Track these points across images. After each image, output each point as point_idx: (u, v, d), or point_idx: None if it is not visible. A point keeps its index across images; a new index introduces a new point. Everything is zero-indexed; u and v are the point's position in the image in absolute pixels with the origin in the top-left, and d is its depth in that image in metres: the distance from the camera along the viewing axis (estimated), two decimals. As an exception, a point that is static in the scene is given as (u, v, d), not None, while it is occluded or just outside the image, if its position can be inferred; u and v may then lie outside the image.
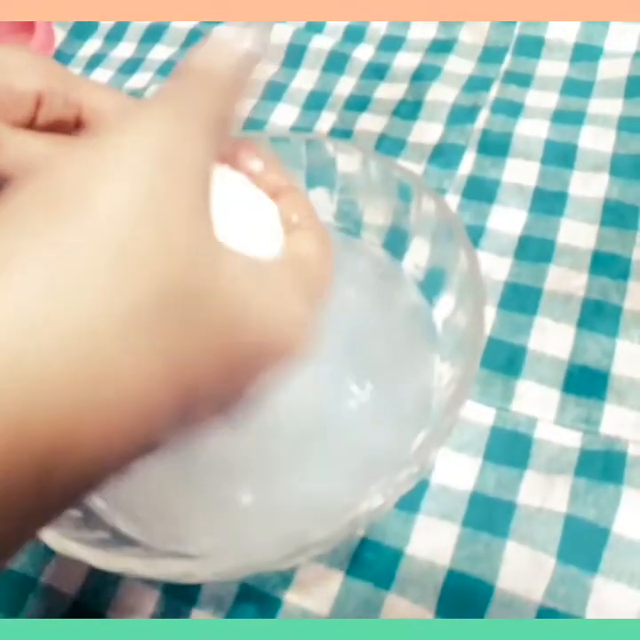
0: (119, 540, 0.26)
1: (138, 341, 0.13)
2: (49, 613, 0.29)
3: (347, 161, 0.32)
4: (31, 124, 0.28)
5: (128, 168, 0.15)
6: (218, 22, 0.50)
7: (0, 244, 0.13)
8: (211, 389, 0.15)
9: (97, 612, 0.29)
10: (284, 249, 0.19)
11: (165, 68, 0.50)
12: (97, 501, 0.27)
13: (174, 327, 0.14)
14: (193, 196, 0.15)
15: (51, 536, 0.23)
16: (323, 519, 0.24)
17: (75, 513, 0.26)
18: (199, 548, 0.26)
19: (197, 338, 0.14)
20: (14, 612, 0.30)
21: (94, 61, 0.52)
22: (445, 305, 0.30)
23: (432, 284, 0.31)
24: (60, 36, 0.54)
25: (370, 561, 0.28)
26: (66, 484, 0.13)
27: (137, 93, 0.49)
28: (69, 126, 0.29)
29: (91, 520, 0.27)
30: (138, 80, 0.50)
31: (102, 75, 0.51)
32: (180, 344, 0.14)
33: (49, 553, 0.30)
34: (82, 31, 0.54)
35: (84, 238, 0.13)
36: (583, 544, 0.27)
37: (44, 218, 0.14)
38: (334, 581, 0.28)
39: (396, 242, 0.33)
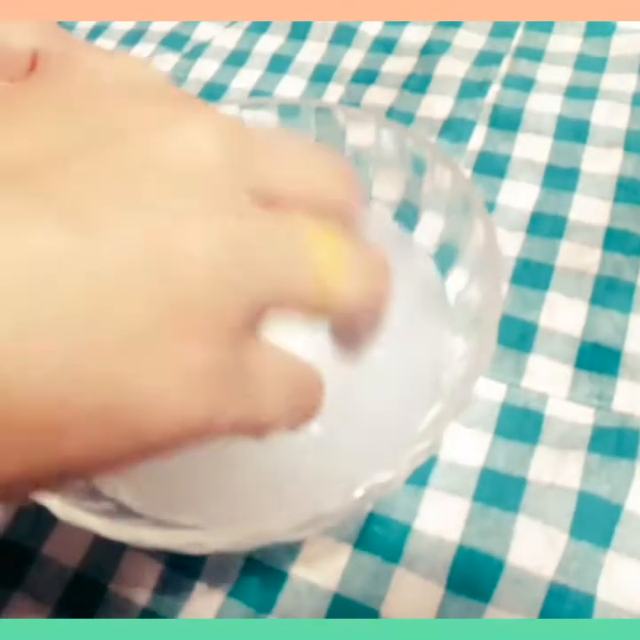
0: (125, 512, 0.25)
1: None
2: (50, 585, 0.29)
3: (358, 130, 0.32)
4: None
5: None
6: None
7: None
8: None
9: (99, 585, 0.29)
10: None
11: (168, 40, 0.49)
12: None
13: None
14: None
15: (56, 505, 0.22)
16: (333, 492, 0.23)
17: (79, 484, 0.26)
18: (207, 521, 0.25)
19: None
20: (14, 584, 0.29)
21: (96, 31, 0.51)
22: (459, 278, 0.29)
23: (445, 257, 0.30)
24: (60, 4, 0.52)
25: (378, 535, 0.28)
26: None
27: (140, 64, 0.48)
28: None
29: (94, 493, 0.26)
30: (140, 51, 0.49)
31: (104, 45, 0.50)
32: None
33: (50, 524, 0.30)
34: (83, 0, 0.52)
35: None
36: (596, 520, 0.27)
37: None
38: (342, 555, 0.28)
39: (408, 214, 0.32)
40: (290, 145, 0.15)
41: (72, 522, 0.22)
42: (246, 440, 0.15)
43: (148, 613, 0.28)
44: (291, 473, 0.27)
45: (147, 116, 0.14)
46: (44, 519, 0.30)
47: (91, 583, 0.29)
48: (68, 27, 0.52)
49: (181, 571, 0.28)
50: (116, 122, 0.13)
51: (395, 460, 0.23)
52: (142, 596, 0.28)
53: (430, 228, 0.31)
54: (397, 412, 0.28)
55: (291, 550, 0.28)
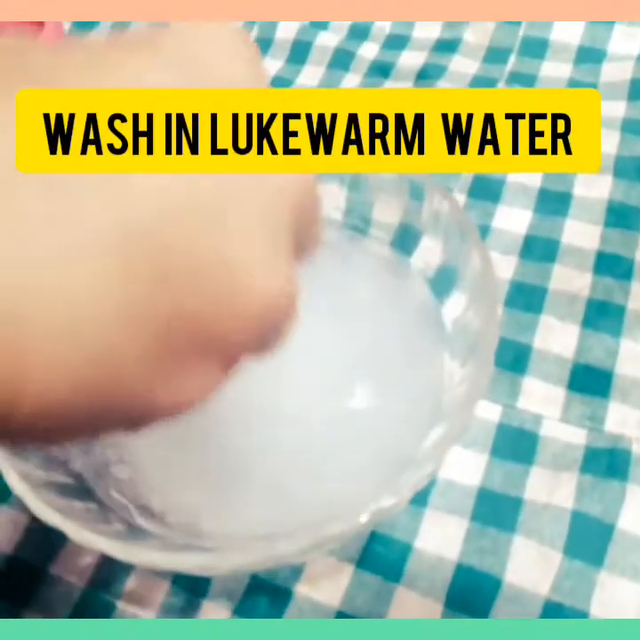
0: (135, 533, 0.26)
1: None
2: (58, 604, 0.30)
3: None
4: None
5: None
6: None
7: None
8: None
9: (106, 603, 0.29)
10: None
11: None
12: (112, 494, 0.27)
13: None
14: None
15: (69, 528, 0.23)
16: (337, 516, 0.24)
17: (90, 505, 0.26)
18: (215, 542, 0.26)
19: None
20: (22, 602, 0.30)
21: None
22: (456, 303, 0.30)
23: (442, 283, 0.31)
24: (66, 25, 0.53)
25: (379, 555, 0.29)
26: None
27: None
28: None
29: (106, 513, 0.27)
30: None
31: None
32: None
33: (57, 543, 0.31)
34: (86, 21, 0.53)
35: None
36: (589, 539, 0.28)
37: None
38: (344, 574, 0.29)
39: (405, 240, 0.33)
40: None
41: (85, 544, 0.23)
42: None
43: (155, 631, 0.29)
44: (295, 495, 0.28)
45: None
46: (51, 538, 0.30)
47: (98, 601, 0.29)
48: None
49: (188, 589, 0.29)
50: None
51: (398, 484, 0.24)
52: (149, 614, 0.29)
53: (428, 254, 0.32)
54: (399, 437, 0.29)
55: (295, 569, 0.29)
